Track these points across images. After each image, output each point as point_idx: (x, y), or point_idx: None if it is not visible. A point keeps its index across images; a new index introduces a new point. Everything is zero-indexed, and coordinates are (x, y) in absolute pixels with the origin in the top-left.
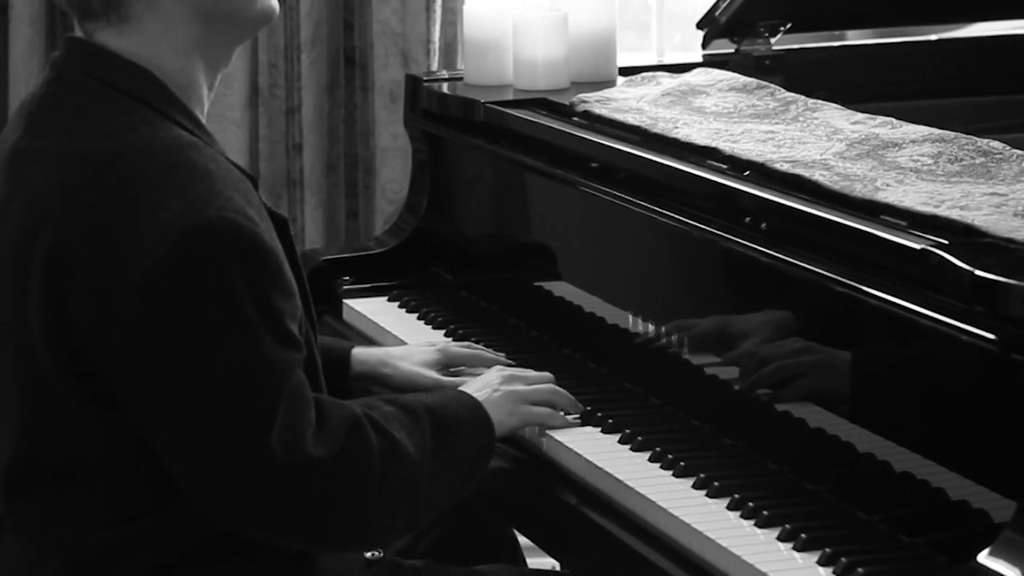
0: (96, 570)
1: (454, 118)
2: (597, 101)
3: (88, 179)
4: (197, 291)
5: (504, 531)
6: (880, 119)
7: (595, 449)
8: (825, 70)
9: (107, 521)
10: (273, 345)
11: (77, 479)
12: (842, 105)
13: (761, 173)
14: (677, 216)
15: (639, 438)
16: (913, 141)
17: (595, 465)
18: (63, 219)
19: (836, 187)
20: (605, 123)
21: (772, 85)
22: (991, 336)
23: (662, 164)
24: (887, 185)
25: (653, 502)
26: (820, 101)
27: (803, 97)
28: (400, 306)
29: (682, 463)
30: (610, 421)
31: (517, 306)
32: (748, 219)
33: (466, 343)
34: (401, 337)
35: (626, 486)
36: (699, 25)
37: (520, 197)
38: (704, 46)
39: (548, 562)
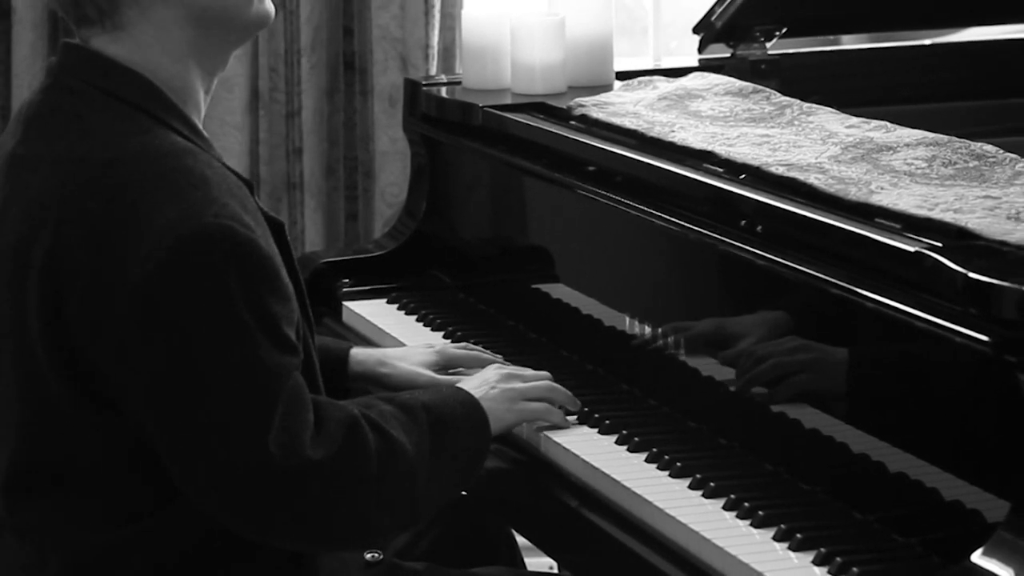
0: (96, 571)
1: (452, 122)
2: (594, 105)
3: (86, 185)
4: (194, 297)
5: (502, 531)
6: (874, 123)
7: (592, 450)
8: (820, 74)
9: (107, 522)
10: (270, 350)
11: (77, 480)
12: (837, 109)
13: (756, 176)
14: (673, 219)
15: (636, 439)
16: (907, 145)
17: (592, 466)
18: (61, 224)
19: (831, 190)
20: (602, 127)
21: (767, 89)
22: (984, 338)
23: (659, 168)
24: (881, 188)
25: (650, 502)
26: (815, 105)
27: (798, 101)
28: (399, 308)
29: (679, 464)
30: (607, 422)
31: (515, 308)
32: (744, 222)
33: (464, 344)
34: (400, 339)
35: (623, 486)
36: (695, 30)
37: (518, 200)
38: (700, 51)
39: (546, 562)
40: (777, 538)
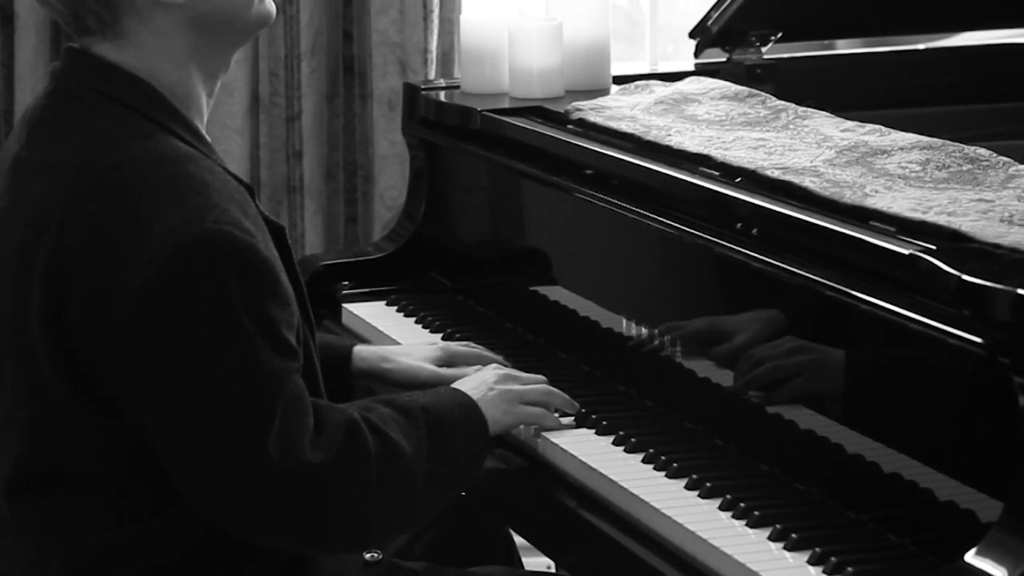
0: (97, 571)
1: (451, 126)
2: (591, 109)
3: (89, 189)
4: (194, 302)
5: (500, 531)
6: (869, 127)
7: (590, 451)
8: (815, 78)
9: (108, 523)
10: (269, 354)
11: (77, 481)
12: (832, 113)
13: (752, 180)
14: (670, 222)
15: (633, 440)
16: (901, 148)
17: (589, 466)
18: (64, 228)
19: (826, 193)
20: (599, 131)
21: (763, 93)
22: (978, 339)
23: (655, 171)
24: (876, 191)
25: (646, 503)
26: (810, 109)
27: (793, 105)
28: (398, 310)
29: (675, 464)
30: (604, 423)
31: (513, 310)
32: (739, 225)
33: (465, 343)
34: (399, 340)
35: (620, 487)
36: (691, 34)
37: (516, 203)
38: (696, 55)
39: (544, 561)
40: (772, 538)
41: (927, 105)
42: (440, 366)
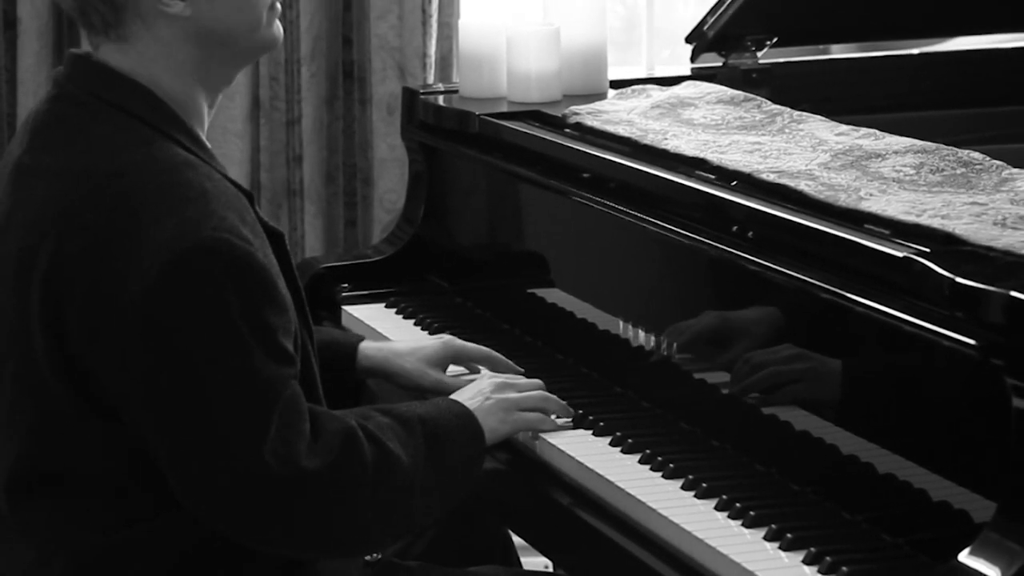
0: (98, 571)
1: (450, 130)
2: (589, 113)
3: (88, 196)
4: (192, 310)
5: (499, 531)
6: (863, 130)
7: (587, 451)
8: (810, 83)
9: (108, 525)
10: (266, 361)
11: (78, 484)
12: (827, 117)
13: (748, 183)
14: (666, 225)
15: (630, 441)
16: (896, 152)
17: (587, 467)
18: (63, 234)
19: (821, 197)
20: (596, 135)
21: (759, 98)
22: (971, 341)
23: (652, 174)
24: (870, 195)
25: (643, 503)
26: (805, 113)
27: (789, 109)
28: (397, 312)
29: (671, 465)
30: (601, 424)
31: (511, 312)
32: (735, 228)
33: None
34: None
35: (617, 487)
36: (688, 39)
37: (514, 206)
38: (693, 60)
39: (542, 561)
40: (768, 538)
41: (921, 109)
42: (443, 362)
